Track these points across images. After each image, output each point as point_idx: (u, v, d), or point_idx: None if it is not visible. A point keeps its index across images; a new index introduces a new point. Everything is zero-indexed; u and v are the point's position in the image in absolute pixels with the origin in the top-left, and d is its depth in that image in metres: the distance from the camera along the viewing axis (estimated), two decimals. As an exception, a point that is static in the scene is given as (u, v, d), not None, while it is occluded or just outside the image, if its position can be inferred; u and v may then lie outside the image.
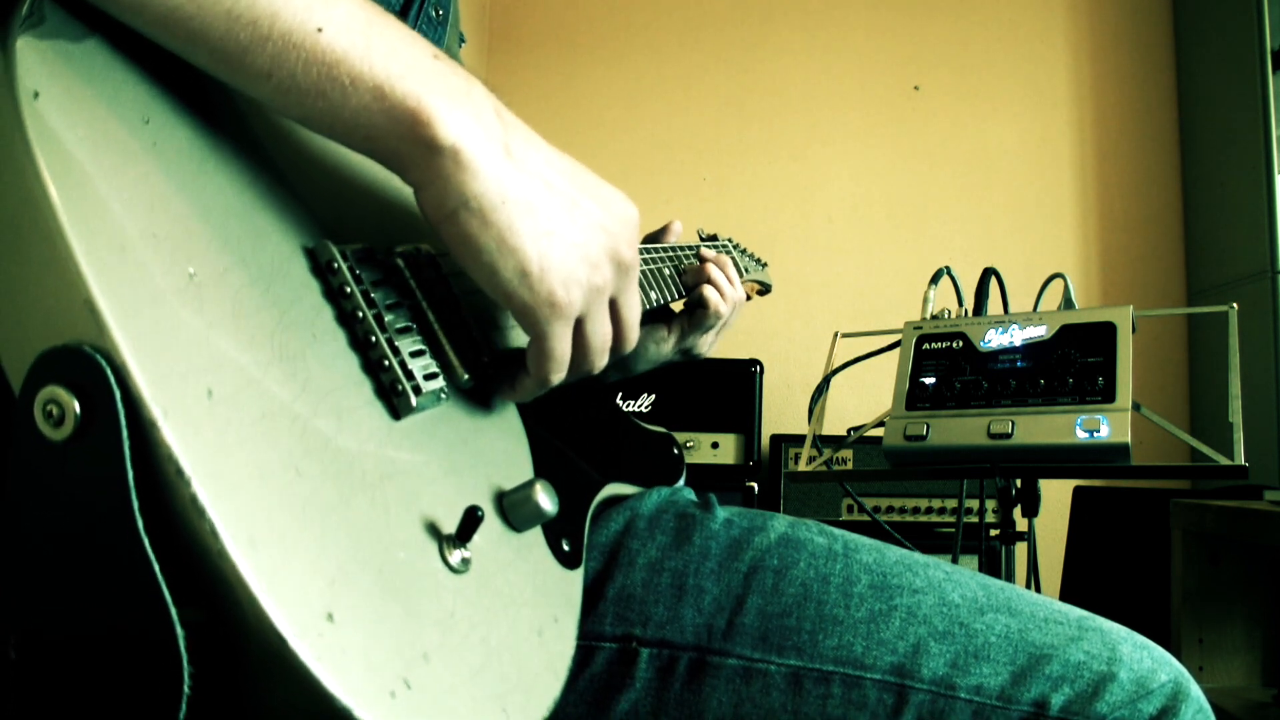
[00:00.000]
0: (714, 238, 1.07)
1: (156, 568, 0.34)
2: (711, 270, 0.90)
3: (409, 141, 0.46)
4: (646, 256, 0.86)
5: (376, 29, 0.45)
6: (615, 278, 0.54)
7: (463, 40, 0.97)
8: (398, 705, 0.37)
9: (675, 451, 0.84)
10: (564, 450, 0.65)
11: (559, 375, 0.54)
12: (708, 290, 0.89)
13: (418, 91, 0.45)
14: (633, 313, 0.58)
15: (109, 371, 0.34)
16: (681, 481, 0.82)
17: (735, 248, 1.09)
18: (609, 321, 0.56)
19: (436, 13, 0.78)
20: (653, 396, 2.15)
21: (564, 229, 0.50)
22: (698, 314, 0.90)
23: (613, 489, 0.69)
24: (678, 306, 0.93)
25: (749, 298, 1.06)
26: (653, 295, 0.84)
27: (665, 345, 0.90)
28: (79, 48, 0.40)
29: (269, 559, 0.35)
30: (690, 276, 0.91)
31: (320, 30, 0.43)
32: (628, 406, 2.14)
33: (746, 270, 1.08)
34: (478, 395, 0.57)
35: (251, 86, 0.44)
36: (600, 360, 0.56)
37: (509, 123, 0.50)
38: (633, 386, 2.14)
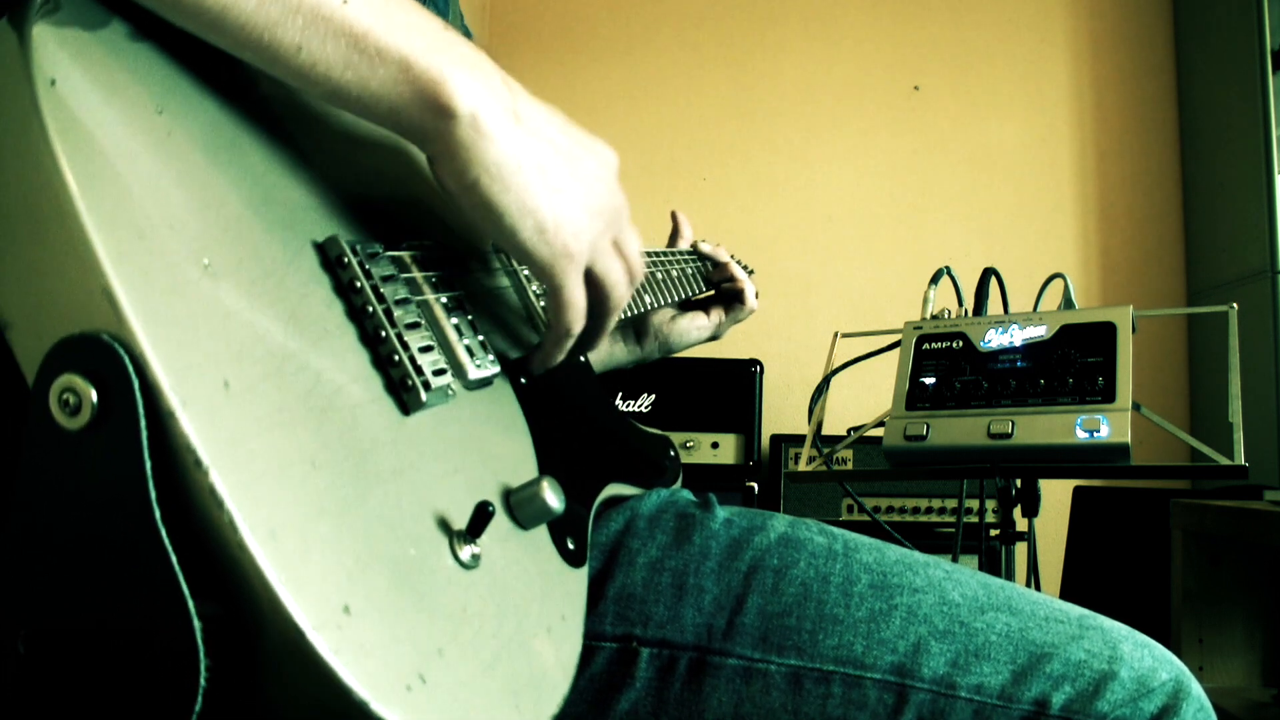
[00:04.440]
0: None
1: (174, 560, 0.34)
2: (735, 269, 1.07)
3: (432, 111, 0.47)
4: (670, 258, 0.98)
5: (394, 2, 0.47)
6: (613, 220, 0.58)
7: (468, 37, 0.97)
8: (414, 699, 0.37)
9: (672, 454, 0.84)
10: (567, 449, 0.65)
11: (579, 324, 0.58)
12: (746, 288, 1.06)
13: (439, 63, 0.47)
14: (632, 246, 0.62)
15: (127, 361, 0.34)
16: (678, 484, 0.82)
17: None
18: (618, 258, 0.60)
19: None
20: (653, 396, 2.15)
21: (569, 185, 0.54)
22: (735, 307, 1.07)
23: (613, 488, 0.69)
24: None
25: None
26: (678, 292, 0.96)
27: (705, 331, 1.06)
28: (95, 35, 0.40)
29: (288, 551, 0.35)
30: (718, 274, 1.06)
31: (346, 2, 0.44)
32: (628, 406, 2.14)
33: None
34: (483, 393, 0.57)
35: (280, 62, 0.44)
36: (623, 293, 0.61)
37: (514, 88, 0.53)
38: (633, 386, 2.14)
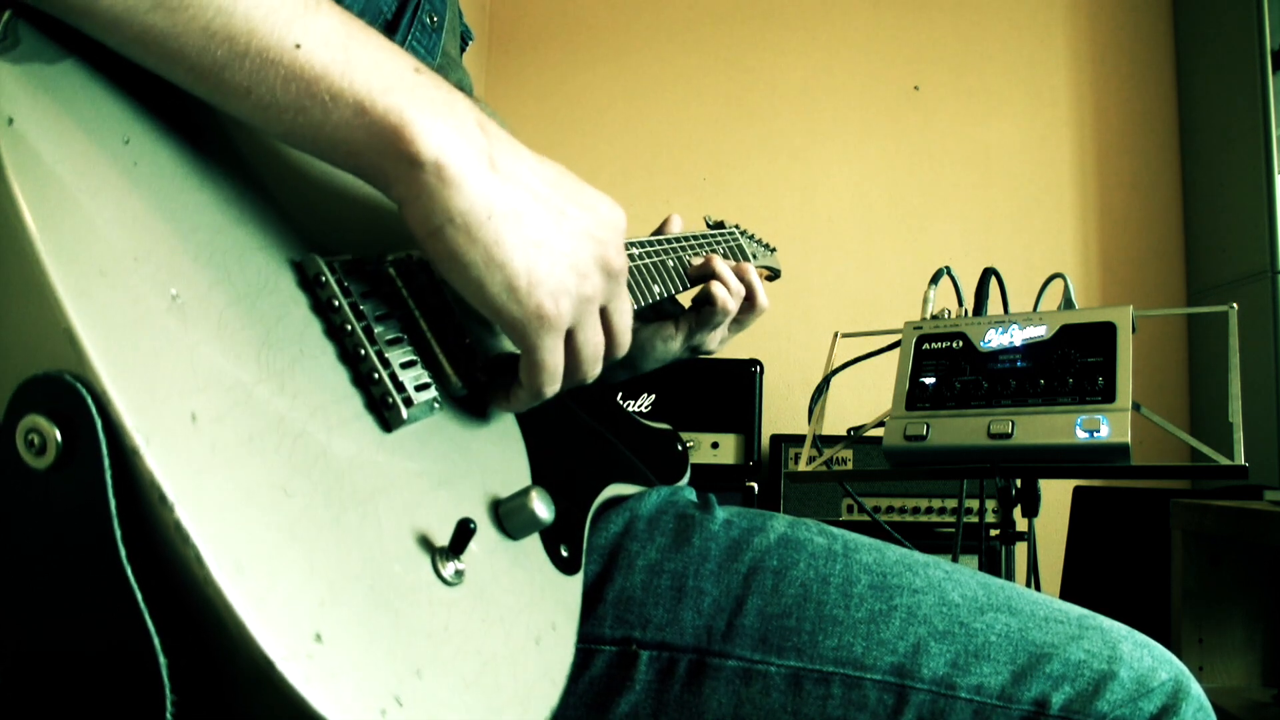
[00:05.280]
0: (720, 225, 1.05)
1: (139, 596, 0.34)
2: (717, 264, 0.89)
3: (391, 157, 0.45)
4: (649, 249, 0.85)
5: (357, 43, 0.45)
6: (605, 285, 0.54)
7: (470, 39, 0.96)
8: None
9: (679, 449, 0.84)
10: (563, 454, 0.65)
11: (553, 387, 0.54)
12: (715, 287, 0.88)
13: (399, 106, 0.45)
14: (624, 319, 0.57)
15: (89, 400, 0.34)
16: (686, 479, 0.82)
17: (743, 234, 1.07)
18: (600, 330, 0.55)
19: (431, 20, 0.78)
20: (653, 396, 2.15)
21: (552, 239, 0.50)
22: (705, 311, 0.89)
23: (612, 490, 0.69)
24: (685, 300, 0.92)
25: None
26: (655, 289, 0.83)
27: (673, 343, 0.89)
28: (55, 70, 0.40)
29: (255, 583, 0.35)
30: (696, 270, 0.89)
31: (298, 46, 0.42)
32: (628, 406, 2.14)
33: (755, 256, 1.06)
34: (473, 402, 0.56)
35: (231, 104, 0.43)
36: (593, 370, 0.56)
37: (493, 134, 0.49)
38: (633, 386, 2.14)
